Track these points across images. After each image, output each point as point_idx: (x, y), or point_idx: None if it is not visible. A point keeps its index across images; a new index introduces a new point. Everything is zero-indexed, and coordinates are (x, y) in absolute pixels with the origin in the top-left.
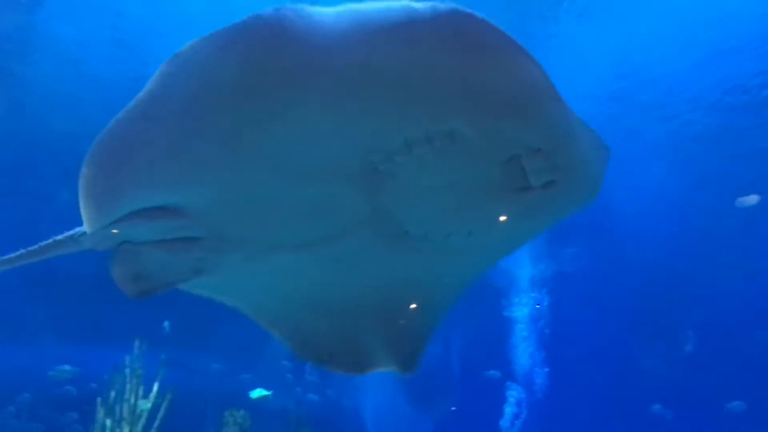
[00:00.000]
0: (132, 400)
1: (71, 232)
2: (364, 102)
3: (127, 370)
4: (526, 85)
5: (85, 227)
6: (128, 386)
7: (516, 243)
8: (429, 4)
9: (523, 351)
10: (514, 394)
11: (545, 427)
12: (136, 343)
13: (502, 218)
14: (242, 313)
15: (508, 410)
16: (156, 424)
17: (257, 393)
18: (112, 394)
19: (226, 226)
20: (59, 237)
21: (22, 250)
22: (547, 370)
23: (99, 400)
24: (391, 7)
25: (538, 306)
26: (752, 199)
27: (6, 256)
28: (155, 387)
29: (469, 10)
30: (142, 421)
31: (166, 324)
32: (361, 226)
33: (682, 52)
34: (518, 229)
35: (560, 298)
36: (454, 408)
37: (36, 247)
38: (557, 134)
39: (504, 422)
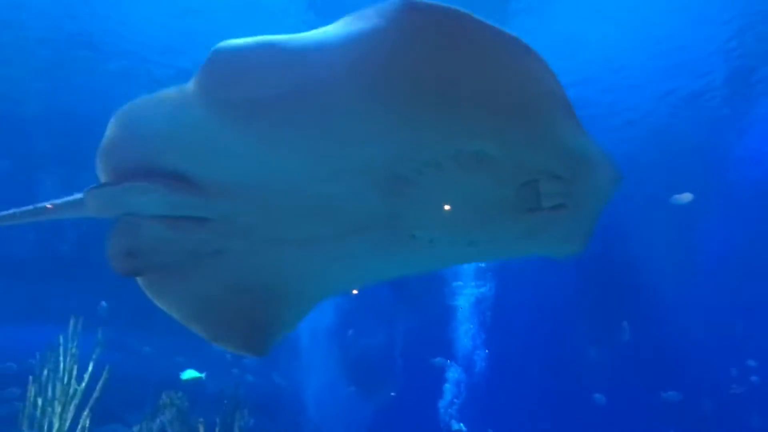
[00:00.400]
0: (65, 379)
1: (76, 196)
2: (411, 114)
3: (61, 349)
4: (560, 119)
5: (101, 177)
6: (62, 366)
7: (506, 254)
8: (476, 32)
9: (465, 334)
10: (454, 375)
11: (484, 408)
12: (72, 322)
13: (505, 233)
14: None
15: (448, 392)
16: (90, 404)
17: (188, 374)
18: (45, 372)
19: (240, 212)
20: (67, 198)
21: (25, 208)
22: (487, 351)
23: (30, 378)
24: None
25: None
26: (687, 196)
27: (6, 212)
28: (90, 367)
29: (521, 40)
30: (75, 401)
31: (103, 304)
32: (370, 227)
33: (627, 50)
34: (515, 244)
35: (503, 286)
36: (393, 394)
37: (40, 206)
38: (583, 165)
39: (443, 403)
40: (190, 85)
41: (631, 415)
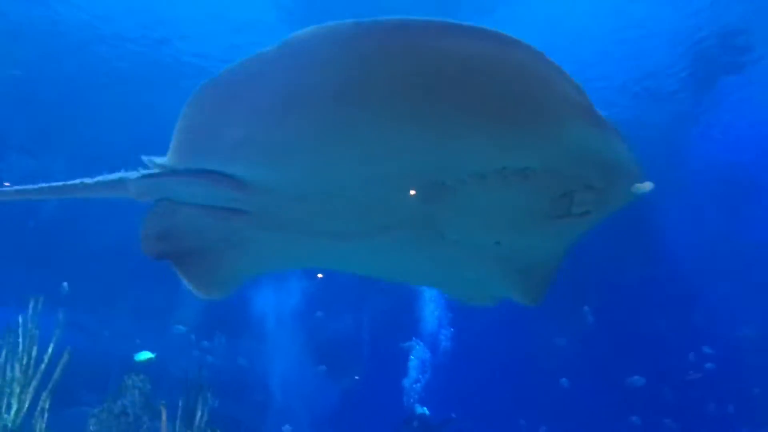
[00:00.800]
0: (24, 360)
1: (121, 174)
2: (465, 132)
3: (21, 330)
4: (604, 138)
5: (150, 165)
6: (21, 347)
7: (524, 253)
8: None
9: (431, 315)
10: (420, 357)
11: (449, 390)
12: (32, 303)
13: (530, 236)
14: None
15: (414, 373)
16: (50, 386)
17: (142, 356)
18: (3, 353)
19: (279, 207)
20: (109, 177)
21: (68, 182)
22: (452, 330)
23: None
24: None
25: None
26: (647, 185)
27: (49, 184)
28: (50, 348)
29: (562, 69)
30: (35, 383)
31: (64, 285)
32: (403, 226)
33: (584, 43)
34: (539, 246)
35: None
36: (357, 377)
37: (76, 182)
38: (618, 178)
39: (408, 385)
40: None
41: (595, 399)
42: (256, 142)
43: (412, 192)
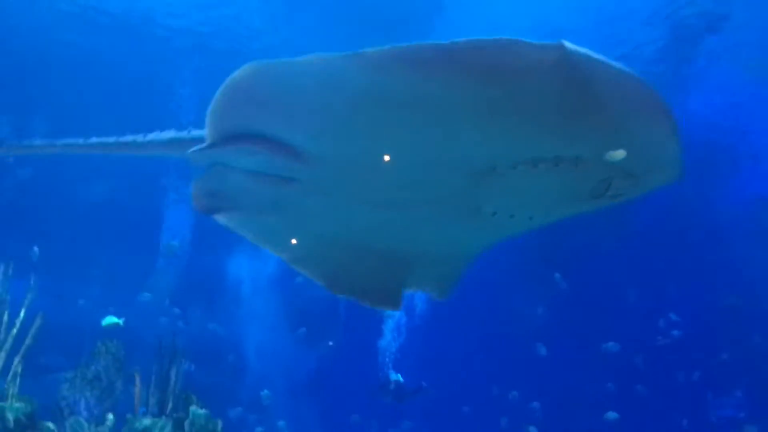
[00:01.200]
0: None
1: (174, 134)
2: (526, 125)
3: None
4: (667, 143)
5: (207, 134)
6: None
7: (547, 223)
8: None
9: None
10: (395, 324)
11: (425, 356)
12: (1, 268)
13: (563, 212)
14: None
15: (388, 341)
16: (22, 351)
17: (108, 320)
18: None
19: (331, 179)
20: (163, 136)
21: (120, 138)
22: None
23: None
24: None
25: None
26: (620, 153)
27: (107, 139)
28: (22, 313)
29: (633, 73)
30: (6, 348)
31: (35, 249)
32: (446, 200)
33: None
34: (563, 217)
35: None
36: (331, 343)
37: (133, 138)
38: (659, 169)
39: (383, 352)
40: (351, 61)
41: (571, 365)
42: (338, 120)
43: (462, 173)
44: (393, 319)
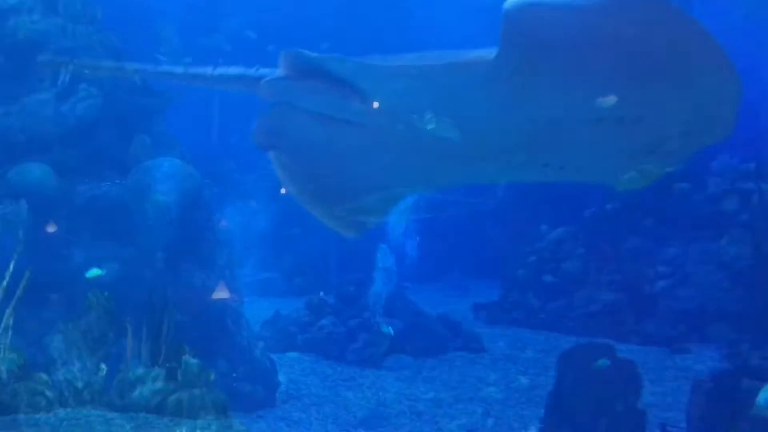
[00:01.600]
0: None
1: (244, 70)
2: (607, 83)
3: None
4: (731, 106)
5: (281, 68)
6: None
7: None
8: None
9: (396, 224)
10: (384, 259)
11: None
12: None
13: (613, 165)
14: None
15: (380, 286)
16: (13, 303)
17: (92, 273)
18: None
19: (397, 126)
20: (241, 71)
21: (197, 69)
22: (418, 239)
23: None
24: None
25: None
26: (611, 99)
27: (175, 68)
28: (11, 266)
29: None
30: None
31: (22, 202)
32: (510, 156)
33: None
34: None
35: None
36: (322, 293)
37: (209, 71)
38: (717, 129)
39: (374, 300)
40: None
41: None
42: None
43: (531, 134)
44: (384, 257)
